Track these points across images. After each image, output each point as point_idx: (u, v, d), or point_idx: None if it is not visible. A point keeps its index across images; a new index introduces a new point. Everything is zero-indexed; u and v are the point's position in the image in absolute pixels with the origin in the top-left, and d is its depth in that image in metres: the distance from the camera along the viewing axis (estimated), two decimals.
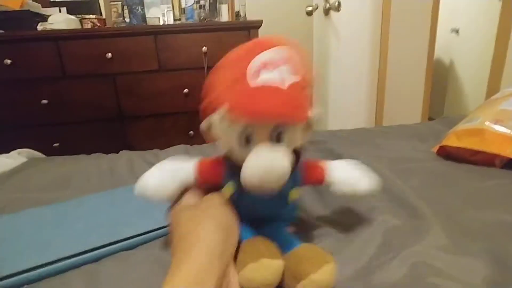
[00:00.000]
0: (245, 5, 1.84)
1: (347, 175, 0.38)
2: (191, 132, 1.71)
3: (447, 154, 0.72)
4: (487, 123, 0.66)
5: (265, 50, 0.31)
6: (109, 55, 1.55)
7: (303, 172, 0.37)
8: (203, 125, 0.35)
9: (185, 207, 0.35)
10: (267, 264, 0.29)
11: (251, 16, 1.87)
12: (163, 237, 0.43)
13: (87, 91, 1.60)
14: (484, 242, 0.37)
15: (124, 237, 0.41)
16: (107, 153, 0.86)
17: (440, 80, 2.87)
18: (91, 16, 1.77)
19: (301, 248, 0.32)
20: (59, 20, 1.58)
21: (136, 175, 0.68)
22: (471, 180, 0.57)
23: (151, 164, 0.74)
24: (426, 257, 0.35)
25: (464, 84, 2.70)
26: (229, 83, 0.31)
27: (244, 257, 0.31)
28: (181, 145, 0.86)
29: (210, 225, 0.30)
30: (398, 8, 1.52)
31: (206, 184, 0.38)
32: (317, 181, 0.39)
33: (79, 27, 1.71)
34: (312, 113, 0.33)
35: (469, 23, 2.64)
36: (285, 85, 0.30)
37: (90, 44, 1.55)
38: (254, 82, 0.30)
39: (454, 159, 0.69)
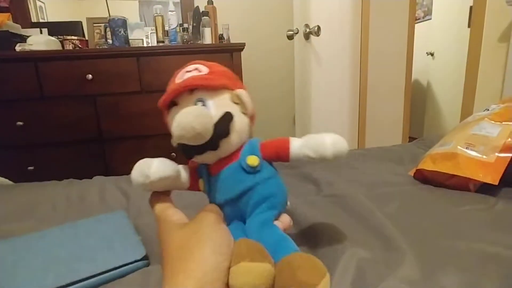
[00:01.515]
0: (228, 28, 1.88)
1: (310, 140, 0.36)
2: (173, 154, 1.68)
3: (424, 177, 0.72)
4: (459, 147, 0.67)
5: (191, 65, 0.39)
6: (90, 76, 1.54)
7: (262, 145, 0.37)
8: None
9: (176, 225, 0.32)
10: (248, 268, 0.26)
11: (234, 39, 1.90)
12: (130, 275, 0.40)
13: (65, 112, 1.57)
14: (457, 275, 0.37)
15: (83, 277, 0.38)
16: (85, 176, 0.83)
17: (419, 101, 2.98)
18: (73, 37, 1.76)
19: (297, 255, 0.29)
20: (39, 41, 1.56)
21: (107, 204, 0.66)
22: (447, 205, 0.57)
23: (125, 192, 0.72)
24: None
25: (441, 104, 2.81)
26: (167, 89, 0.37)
27: (235, 255, 0.28)
28: None
29: (207, 248, 0.28)
30: (375, 33, 1.59)
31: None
32: (279, 149, 0.37)
33: (60, 48, 1.69)
34: (238, 91, 0.36)
35: (442, 46, 2.78)
36: (201, 72, 0.36)
37: (70, 65, 1.54)
38: (178, 79, 0.37)
39: (430, 183, 0.70)
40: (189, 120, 0.30)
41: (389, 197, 0.61)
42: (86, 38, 1.90)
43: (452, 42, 2.55)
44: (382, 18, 1.60)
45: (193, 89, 0.35)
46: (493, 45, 1.42)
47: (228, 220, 0.36)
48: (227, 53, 1.66)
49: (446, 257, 0.41)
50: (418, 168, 0.73)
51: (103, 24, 1.83)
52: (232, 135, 0.34)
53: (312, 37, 1.51)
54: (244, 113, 0.36)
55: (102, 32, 1.87)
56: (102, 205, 0.63)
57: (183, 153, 0.35)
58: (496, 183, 0.60)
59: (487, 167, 0.62)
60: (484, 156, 0.64)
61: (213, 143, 0.33)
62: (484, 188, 0.63)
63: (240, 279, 0.26)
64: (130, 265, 0.41)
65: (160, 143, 1.67)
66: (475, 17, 1.50)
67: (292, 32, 1.60)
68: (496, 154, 0.62)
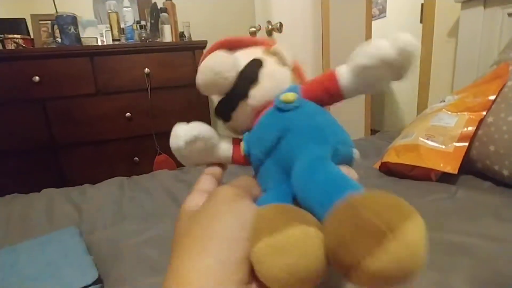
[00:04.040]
0: (189, 26, 1.82)
1: (358, 49, 0.26)
2: (136, 158, 1.60)
3: (388, 169, 0.74)
4: (421, 138, 0.69)
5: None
6: (37, 78, 1.40)
7: (303, 85, 0.30)
8: None
9: (188, 212, 0.24)
10: (274, 243, 0.17)
11: (195, 37, 1.84)
12: None
13: (10, 119, 1.42)
14: (427, 271, 0.36)
15: None
16: (38, 189, 0.74)
17: (379, 96, 3.12)
18: (15, 36, 1.60)
19: (369, 192, 0.17)
20: None
21: (55, 221, 0.59)
22: (412, 197, 0.58)
23: (76, 205, 0.65)
24: None
25: (399, 99, 2.96)
26: None
27: (254, 231, 0.19)
28: (116, 178, 0.77)
29: (231, 220, 0.20)
30: (336, 30, 1.62)
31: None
32: (324, 80, 0.28)
33: (0, 48, 1.52)
34: (274, 47, 0.31)
35: None
36: None
37: (13, 67, 1.39)
38: None
39: (394, 175, 0.71)
40: (204, 62, 0.27)
41: None
42: (32, 36, 1.73)
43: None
44: (341, 17, 1.63)
45: (225, 49, 0.31)
46: (443, 40, 1.51)
47: (270, 181, 0.27)
48: (189, 51, 1.60)
49: None
50: (383, 161, 0.74)
51: (50, 22, 1.68)
52: (263, 80, 0.29)
53: (275, 33, 1.50)
54: (282, 65, 0.30)
55: (50, 30, 1.72)
56: (49, 222, 0.56)
57: (218, 115, 0.31)
58: (456, 172, 0.62)
59: (447, 156, 0.64)
60: (443, 146, 0.66)
61: (240, 89, 0.29)
62: (445, 177, 0.65)
63: (267, 264, 0.17)
64: None
65: (122, 148, 1.58)
66: (426, 14, 1.58)
67: (254, 29, 1.58)
68: (454, 143, 0.65)
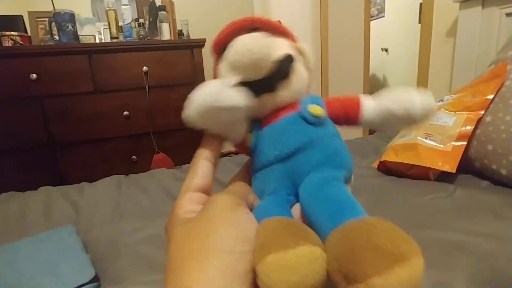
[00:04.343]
0: (187, 24, 1.81)
1: (393, 93, 0.28)
2: (134, 157, 1.59)
3: (387, 168, 0.74)
4: (419, 137, 0.69)
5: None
6: (34, 76, 1.39)
7: (326, 100, 0.30)
8: None
9: (182, 219, 0.23)
10: (280, 260, 0.17)
11: (194, 35, 1.84)
12: None
13: (7, 117, 1.41)
14: (428, 268, 0.36)
15: None
16: (36, 187, 0.73)
17: (376, 94, 3.12)
18: (12, 32, 1.58)
19: (373, 219, 0.18)
20: None
21: (52, 219, 0.58)
22: (411, 196, 0.58)
23: (74, 203, 0.65)
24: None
25: None
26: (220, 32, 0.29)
27: (261, 244, 0.19)
28: (114, 176, 0.77)
29: (232, 232, 0.20)
30: (334, 30, 1.62)
31: None
32: (347, 105, 0.29)
33: None
34: (302, 44, 0.30)
35: (395, 42, 2.93)
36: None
37: (9, 64, 1.38)
38: None
39: (393, 174, 0.71)
40: (245, 41, 0.25)
41: (356, 190, 0.61)
42: (29, 34, 1.72)
43: (404, 38, 2.69)
44: (340, 16, 1.64)
45: (253, 28, 0.28)
46: (441, 40, 1.51)
47: (273, 185, 0.27)
48: (188, 50, 1.60)
49: None
50: (381, 160, 0.74)
51: (48, 19, 1.67)
52: (293, 79, 0.28)
53: None
54: (305, 67, 0.30)
55: (47, 28, 1.70)
56: (46, 220, 0.55)
57: None
58: (454, 171, 0.62)
59: (445, 155, 0.64)
60: (442, 145, 0.66)
61: (270, 83, 0.27)
62: (443, 176, 0.65)
63: (274, 279, 0.17)
64: None
65: (120, 146, 1.57)
66: (424, 14, 1.58)
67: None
68: (453, 143, 0.65)
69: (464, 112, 0.67)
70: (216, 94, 0.25)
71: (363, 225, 0.17)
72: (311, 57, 0.30)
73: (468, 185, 0.62)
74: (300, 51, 0.29)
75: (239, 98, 0.25)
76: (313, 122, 0.27)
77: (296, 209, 0.25)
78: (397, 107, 0.26)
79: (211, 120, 0.26)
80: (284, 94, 0.28)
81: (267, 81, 0.27)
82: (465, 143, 0.64)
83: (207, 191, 0.26)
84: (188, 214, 0.23)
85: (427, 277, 0.36)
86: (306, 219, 0.22)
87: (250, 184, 0.28)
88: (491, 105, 0.65)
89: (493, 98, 0.65)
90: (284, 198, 0.25)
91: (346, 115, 0.29)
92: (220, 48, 0.28)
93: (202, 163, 0.26)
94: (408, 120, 0.26)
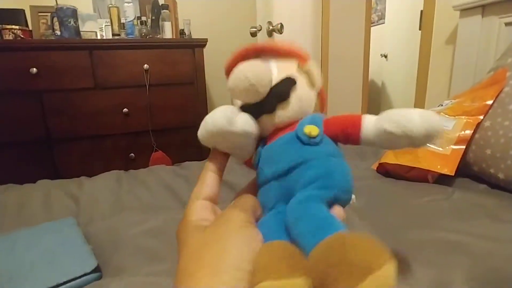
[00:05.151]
0: (189, 23, 1.82)
1: (391, 112, 0.27)
2: (132, 154, 1.58)
3: (386, 170, 0.74)
4: None
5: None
6: (34, 70, 1.38)
7: (326, 119, 0.30)
8: None
9: (197, 227, 0.25)
10: (294, 283, 0.19)
11: (195, 35, 1.84)
12: None
13: (5, 110, 1.40)
14: (426, 269, 0.37)
15: None
16: (31, 182, 0.72)
17: (375, 99, 3.14)
18: (14, 26, 1.58)
19: (349, 234, 0.20)
20: None
21: (52, 211, 0.58)
22: (410, 197, 0.59)
23: (74, 196, 0.65)
24: None
25: (395, 103, 2.99)
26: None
27: (260, 269, 0.21)
28: (114, 171, 0.77)
29: (244, 251, 0.22)
30: (335, 34, 1.64)
31: None
32: (347, 124, 0.29)
33: None
34: (308, 63, 0.31)
35: (394, 49, 2.96)
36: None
37: (10, 57, 1.37)
38: None
39: (392, 176, 0.72)
40: (243, 69, 0.27)
41: (356, 191, 0.62)
42: (30, 28, 1.71)
43: (403, 44, 2.72)
44: (341, 21, 1.65)
45: (259, 54, 0.31)
46: (441, 47, 1.53)
47: (273, 201, 0.29)
48: (189, 49, 1.60)
49: (414, 250, 0.41)
50: (381, 162, 0.75)
51: (50, 14, 1.66)
52: (292, 101, 0.29)
53: (275, 34, 1.50)
54: (311, 86, 0.31)
55: (49, 23, 1.70)
56: (46, 212, 0.55)
57: None
58: (453, 174, 0.63)
59: (444, 159, 0.65)
60: (441, 149, 0.67)
61: (269, 104, 0.29)
62: (442, 179, 0.66)
63: None
64: (79, 280, 0.35)
65: (118, 143, 1.57)
66: (425, 21, 1.60)
67: (255, 29, 1.59)
68: (452, 146, 0.66)
69: (463, 117, 0.68)
70: (228, 119, 0.27)
71: (336, 242, 0.20)
72: (317, 76, 0.31)
73: (466, 188, 0.63)
74: (306, 72, 0.31)
75: (250, 124, 0.28)
76: (308, 142, 0.28)
77: (334, 211, 0.26)
78: (394, 127, 0.26)
79: (222, 143, 0.29)
80: (283, 114, 0.29)
81: (265, 103, 0.29)
82: (464, 146, 0.65)
83: (215, 200, 0.28)
84: (201, 221, 0.25)
85: (426, 276, 0.36)
86: (291, 236, 0.24)
87: (256, 195, 0.30)
88: (490, 111, 0.66)
89: (492, 103, 0.66)
90: (282, 215, 0.26)
91: (346, 134, 0.29)
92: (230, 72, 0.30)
93: (210, 175, 0.29)
94: (408, 141, 0.25)
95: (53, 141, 1.48)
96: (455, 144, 0.65)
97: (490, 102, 0.66)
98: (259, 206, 0.29)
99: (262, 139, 0.31)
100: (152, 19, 1.69)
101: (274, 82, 0.29)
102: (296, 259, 0.21)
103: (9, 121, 1.41)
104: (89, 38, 1.67)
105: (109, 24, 1.68)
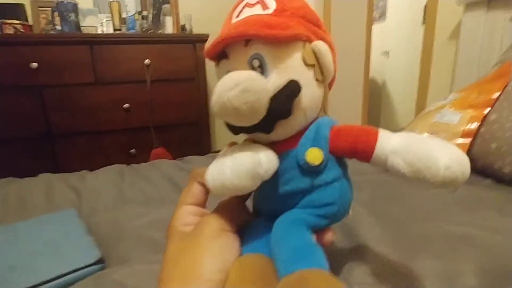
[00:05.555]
0: (190, 19, 1.80)
1: (413, 152, 0.23)
2: (133, 150, 1.58)
3: None
4: (425, 134, 0.70)
5: None
6: (35, 65, 1.38)
7: (335, 132, 0.26)
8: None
9: (178, 233, 0.26)
10: None
11: (196, 31, 1.83)
12: (81, 281, 0.34)
13: (6, 105, 1.39)
14: (434, 261, 0.36)
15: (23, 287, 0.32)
16: (31, 176, 0.72)
17: (375, 97, 3.13)
18: (14, 21, 1.57)
19: (312, 270, 0.21)
20: None
21: (54, 204, 0.58)
22: (414, 190, 0.58)
23: (76, 189, 0.64)
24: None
25: (396, 100, 2.98)
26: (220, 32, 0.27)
27: (235, 280, 0.22)
28: (115, 165, 0.76)
29: (211, 264, 0.23)
30: (336, 32, 1.63)
31: None
32: (359, 143, 0.25)
33: None
34: (316, 45, 0.25)
35: (396, 46, 2.94)
36: (266, 11, 0.26)
37: (10, 52, 1.36)
38: (234, 18, 0.27)
39: None
40: (229, 96, 0.21)
41: (360, 185, 0.61)
42: (31, 23, 1.70)
43: (404, 41, 2.70)
44: (342, 19, 1.64)
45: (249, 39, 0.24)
46: (444, 42, 1.52)
47: (268, 208, 0.28)
48: (190, 44, 1.59)
49: (421, 243, 0.41)
50: None
51: (50, 8, 1.65)
52: (295, 115, 0.24)
53: None
54: (319, 80, 0.26)
55: (49, 17, 1.69)
56: (48, 204, 0.55)
57: (227, 128, 0.26)
58: None
59: None
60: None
61: (266, 125, 0.24)
62: None
63: None
64: (82, 271, 0.35)
65: (118, 139, 1.56)
66: (428, 16, 1.59)
67: None
68: (457, 140, 0.65)
69: (469, 110, 0.67)
70: (255, 179, 0.23)
71: (297, 281, 0.20)
72: (328, 60, 0.25)
73: (470, 183, 0.62)
74: (314, 53, 0.25)
75: (274, 168, 0.24)
76: (308, 170, 0.25)
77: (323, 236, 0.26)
78: (410, 172, 0.22)
79: (228, 194, 0.26)
80: (281, 133, 0.25)
81: (261, 124, 0.24)
82: (470, 140, 0.64)
83: (202, 204, 0.28)
84: (184, 227, 0.26)
85: (435, 269, 0.36)
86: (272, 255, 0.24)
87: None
88: (496, 104, 0.65)
89: (498, 96, 0.65)
90: (269, 228, 0.26)
91: (355, 155, 0.25)
92: (217, 57, 0.26)
93: (197, 185, 0.28)
94: (420, 181, 0.22)
95: (53, 136, 1.48)
96: (461, 137, 0.65)
97: (496, 95, 0.65)
98: (243, 210, 0.28)
99: None
100: (153, 14, 1.68)
101: (272, 91, 0.23)
102: (267, 281, 0.22)
103: (9, 116, 1.40)
104: (90, 33, 1.66)
105: (110, 18, 1.66)
